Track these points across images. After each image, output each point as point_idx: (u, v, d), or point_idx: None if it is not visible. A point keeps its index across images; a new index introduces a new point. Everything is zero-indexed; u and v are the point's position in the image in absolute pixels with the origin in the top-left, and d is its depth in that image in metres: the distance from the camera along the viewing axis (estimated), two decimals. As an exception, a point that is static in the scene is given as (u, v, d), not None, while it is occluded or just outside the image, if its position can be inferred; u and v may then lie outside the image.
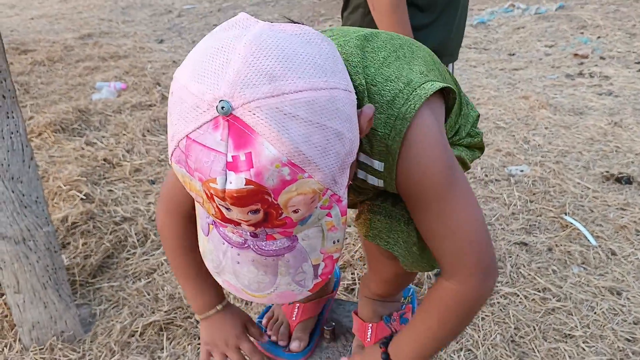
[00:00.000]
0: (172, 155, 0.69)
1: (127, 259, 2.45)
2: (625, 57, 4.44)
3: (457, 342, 1.89)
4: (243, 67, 0.65)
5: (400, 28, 1.72)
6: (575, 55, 4.51)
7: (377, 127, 0.83)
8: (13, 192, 1.78)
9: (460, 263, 0.90)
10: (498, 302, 2.05)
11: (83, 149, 3.32)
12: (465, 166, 1.13)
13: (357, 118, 0.74)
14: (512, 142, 3.25)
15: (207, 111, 0.65)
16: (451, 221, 0.87)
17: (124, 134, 3.53)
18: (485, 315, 1.98)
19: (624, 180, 2.78)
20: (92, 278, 2.34)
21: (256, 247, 0.74)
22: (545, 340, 1.86)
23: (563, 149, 3.14)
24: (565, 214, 2.54)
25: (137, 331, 2.02)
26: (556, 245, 2.34)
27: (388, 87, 0.84)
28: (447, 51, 1.92)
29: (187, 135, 0.66)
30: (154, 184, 3.03)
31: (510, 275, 2.19)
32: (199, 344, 1.96)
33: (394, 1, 1.70)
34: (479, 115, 1.16)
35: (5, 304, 2.11)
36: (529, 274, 2.18)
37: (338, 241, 0.77)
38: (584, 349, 1.82)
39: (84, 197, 2.76)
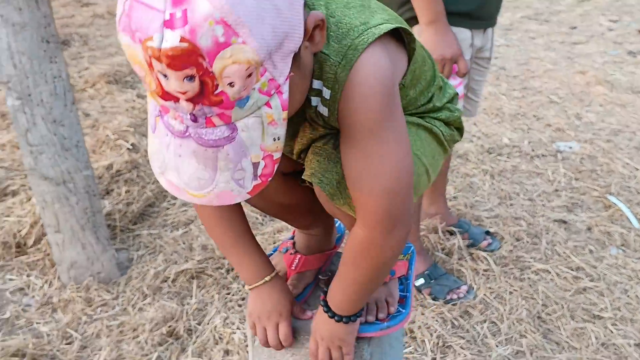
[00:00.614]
0: (119, 22, 0.69)
1: (167, 209, 2.50)
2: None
3: (481, 314, 1.86)
4: None
5: None
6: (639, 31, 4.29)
7: (330, 54, 0.83)
8: (55, 135, 1.83)
9: (371, 209, 0.89)
10: (528, 278, 2.00)
11: (134, 101, 3.38)
12: (443, 146, 1.10)
13: (303, 14, 0.75)
14: (564, 118, 3.14)
15: None
16: (374, 161, 0.86)
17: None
18: (514, 290, 1.95)
19: (678, 163, 2.65)
20: (133, 225, 2.41)
21: (196, 135, 0.74)
22: (573, 319, 1.82)
23: (616, 127, 3.02)
24: (610, 194, 2.45)
25: (169, 277, 2.08)
26: (596, 225, 2.26)
27: (345, 21, 0.85)
28: (484, 16, 1.85)
29: None
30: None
31: (544, 252, 2.13)
32: (227, 293, 2.01)
33: None
34: (456, 94, 1.14)
35: (47, 242, 2.20)
36: (564, 252, 2.12)
37: (279, 139, 0.77)
38: (611, 331, 1.77)
39: (131, 147, 2.82)
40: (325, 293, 1.03)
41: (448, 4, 1.72)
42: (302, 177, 0.97)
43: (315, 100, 0.89)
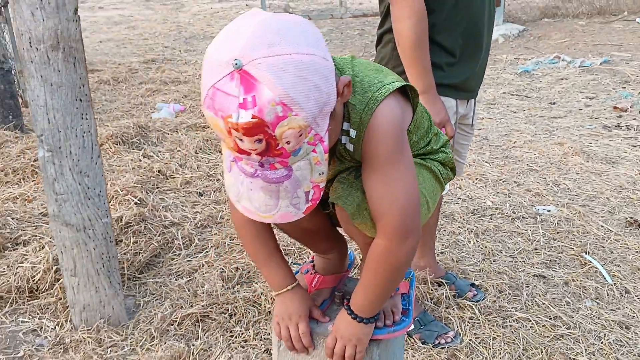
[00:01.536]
0: (203, 102, 0.96)
1: (172, 259, 2.65)
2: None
3: (467, 357, 2.01)
4: (251, 38, 0.93)
5: (420, 65, 1.91)
6: (615, 108, 4.59)
7: (356, 104, 1.11)
8: (80, 184, 2.01)
9: (389, 222, 1.13)
10: (510, 325, 2.16)
11: (140, 160, 3.58)
12: (440, 183, 1.35)
13: (335, 81, 1.01)
14: (543, 184, 3.36)
15: (226, 67, 0.93)
16: (391, 184, 1.12)
17: (179, 150, 3.79)
18: (497, 335, 2.10)
19: (647, 226, 2.86)
20: (139, 273, 2.56)
21: (263, 175, 1.01)
22: (551, 362, 1.97)
23: (591, 193, 3.24)
24: (586, 253, 2.64)
25: (176, 321, 2.21)
26: (573, 280, 2.44)
27: (367, 80, 1.13)
28: (468, 88, 2.08)
29: (213, 85, 0.93)
30: (201, 195, 3.25)
31: (525, 302, 2.30)
32: (230, 335, 2.14)
33: (415, 40, 1.88)
34: (448, 141, 1.43)
35: (60, 287, 2.33)
36: (543, 303, 2.29)
37: (323, 173, 1.04)
38: (586, 373, 1.92)
39: (138, 202, 2.99)
40: (343, 301, 1.24)
41: (438, 77, 1.95)
42: (329, 200, 1.22)
43: (344, 139, 1.15)
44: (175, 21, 8.58)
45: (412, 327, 2.09)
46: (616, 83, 5.18)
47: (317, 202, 1.06)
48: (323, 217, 1.37)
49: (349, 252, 1.52)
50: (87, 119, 1.97)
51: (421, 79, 1.92)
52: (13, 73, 4.49)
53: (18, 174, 3.43)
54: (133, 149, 3.80)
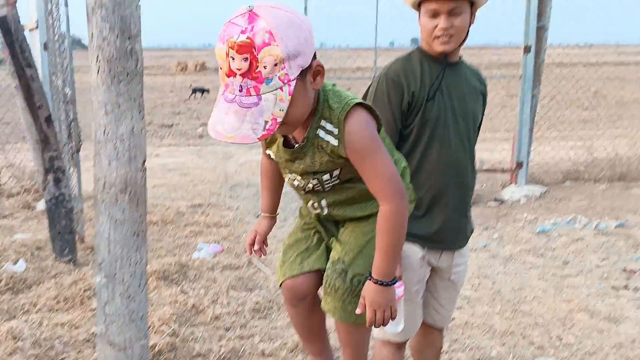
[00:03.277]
0: (219, 36, 1.42)
1: (196, 385, 2.94)
2: (674, 277, 4.72)
3: None
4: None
5: None
6: (625, 270, 4.83)
7: (333, 106, 1.58)
8: (127, 308, 2.39)
9: (385, 192, 1.62)
10: None
11: (177, 295, 3.96)
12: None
13: (313, 57, 1.51)
14: (547, 338, 3.58)
15: (242, 10, 1.41)
16: (378, 167, 1.61)
17: (212, 287, 4.17)
18: None
19: (641, 383, 3.03)
20: (166, 396, 2.84)
21: (239, 100, 1.42)
22: None
23: (591, 349, 3.43)
24: (578, 403, 2.82)
25: None
26: None
27: (344, 94, 1.65)
28: (437, 240, 2.28)
29: (229, 20, 1.41)
30: (227, 330, 3.57)
31: None
32: None
33: None
34: (406, 167, 1.98)
35: (97, 402, 2.63)
36: None
37: (282, 110, 1.43)
38: None
39: (171, 333, 3.34)
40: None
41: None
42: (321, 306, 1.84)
43: (322, 134, 1.62)
44: (223, 169, 9.32)
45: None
46: (628, 246, 5.43)
47: (271, 133, 1.46)
48: (322, 322, 1.90)
49: None
50: (140, 251, 2.39)
51: None
52: (74, 212, 5.06)
53: (68, 303, 3.84)
54: (172, 284, 4.20)
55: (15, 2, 6.55)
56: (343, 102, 1.57)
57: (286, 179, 1.91)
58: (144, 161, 2.42)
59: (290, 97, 1.42)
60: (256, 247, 2.12)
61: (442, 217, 2.27)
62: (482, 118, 2.45)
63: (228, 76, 1.41)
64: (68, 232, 4.74)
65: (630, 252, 5.29)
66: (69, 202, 4.80)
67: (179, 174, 8.90)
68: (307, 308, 1.87)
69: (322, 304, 1.82)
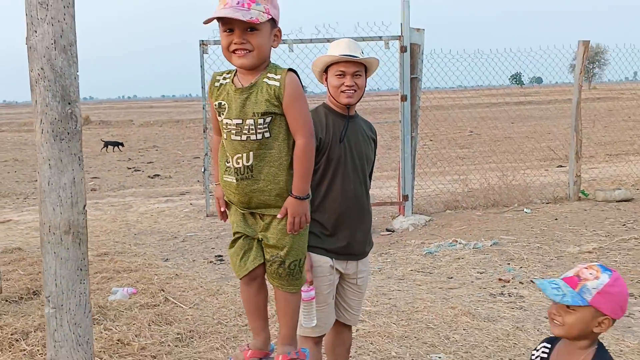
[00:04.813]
0: None
1: (133, 406, 3.20)
2: (539, 282, 5.50)
3: None
4: None
5: None
6: (500, 279, 5.56)
7: (277, 66, 2.19)
8: (74, 334, 2.67)
9: (304, 130, 2.18)
10: None
11: (102, 332, 4.17)
12: None
13: (277, 24, 2.20)
14: (437, 338, 4.14)
15: None
16: (302, 110, 2.19)
17: (133, 324, 4.41)
18: None
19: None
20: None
21: (235, 4, 1.99)
22: None
23: (474, 344, 4.03)
24: (464, 384, 3.36)
25: None
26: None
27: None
28: (343, 252, 2.84)
29: None
30: (154, 358, 3.84)
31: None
32: None
33: None
34: None
35: None
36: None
37: (260, 22, 2.07)
38: None
39: (102, 364, 3.57)
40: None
41: (316, 242, 2.71)
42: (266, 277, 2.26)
43: (267, 80, 2.17)
44: (124, 219, 9.41)
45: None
46: (502, 260, 6.21)
47: (254, 23, 2.08)
48: (265, 301, 2.34)
49: (270, 343, 2.27)
50: (84, 283, 2.69)
51: None
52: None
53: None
54: (95, 324, 4.39)
55: None
56: (284, 68, 2.22)
57: (224, 132, 2.30)
58: (84, 206, 2.73)
59: (262, 23, 2.06)
60: (223, 208, 2.48)
61: (345, 234, 2.83)
62: (374, 158, 3.09)
63: None
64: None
65: (504, 265, 6.06)
66: None
67: (80, 226, 8.88)
68: (256, 287, 2.32)
69: (269, 280, 2.30)
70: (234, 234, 2.35)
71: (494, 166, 11.45)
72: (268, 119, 2.13)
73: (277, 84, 2.13)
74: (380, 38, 8.09)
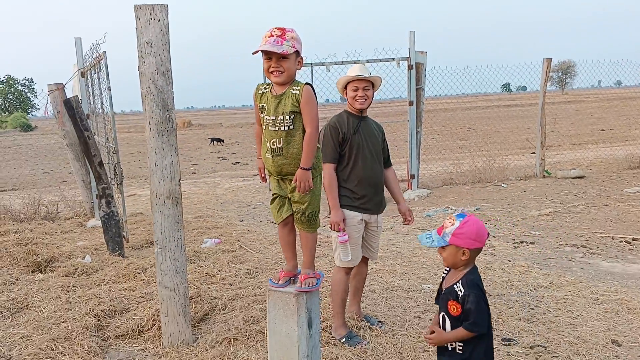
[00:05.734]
0: (262, 40, 2.27)
1: (216, 315, 3.46)
2: (507, 236, 5.52)
3: (373, 352, 2.81)
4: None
5: (331, 196, 2.97)
6: (478, 234, 5.60)
7: (299, 82, 2.32)
8: (173, 265, 2.92)
9: (312, 123, 2.28)
10: (396, 337, 2.97)
11: (196, 268, 4.45)
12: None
13: (300, 55, 2.33)
14: (428, 274, 4.26)
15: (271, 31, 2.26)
16: (312, 111, 2.29)
17: (217, 263, 4.68)
18: (388, 343, 2.91)
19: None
20: (198, 322, 3.35)
21: (272, 43, 2.24)
22: None
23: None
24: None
25: (219, 342, 3.00)
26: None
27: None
28: (369, 209, 3.04)
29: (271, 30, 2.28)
30: (231, 285, 4.09)
31: (406, 327, 3.12)
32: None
33: (327, 185, 2.95)
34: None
35: (158, 326, 3.13)
36: (416, 329, 3.11)
37: (289, 52, 2.22)
38: None
39: (196, 287, 3.84)
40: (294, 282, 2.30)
41: (350, 202, 2.95)
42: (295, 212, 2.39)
43: (292, 91, 2.29)
44: (214, 193, 9.78)
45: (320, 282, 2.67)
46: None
47: (285, 54, 2.24)
48: (294, 239, 2.45)
49: (297, 268, 2.45)
50: (180, 232, 2.95)
51: (332, 201, 2.96)
52: (121, 223, 5.47)
53: (125, 277, 4.28)
54: (191, 263, 4.69)
55: (64, 87, 6.95)
56: (304, 82, 2.35)
57: (264, 125, 2.41)
58: (179, 179, 2.98)
59: (290, 54, 2.22)
60: (263, 174, 2.58)
61: (368, 197, 3.06)
62: (386, 145, 3.30)
63: (270, 37, 2.21)
64: (117, 236, 5.17)
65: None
66: (117, 216, 5.23)
67: (184, 199, 9.28)
68: (288, 229, 2.44)
69: (295, 225, 2.42)
70: (273, 194, 2.51)
71: (485, 153, 11.29)
72: (292, 116, 2.28)
73: (297, 92, 2.27)
74: (393, 59, 8.09)
